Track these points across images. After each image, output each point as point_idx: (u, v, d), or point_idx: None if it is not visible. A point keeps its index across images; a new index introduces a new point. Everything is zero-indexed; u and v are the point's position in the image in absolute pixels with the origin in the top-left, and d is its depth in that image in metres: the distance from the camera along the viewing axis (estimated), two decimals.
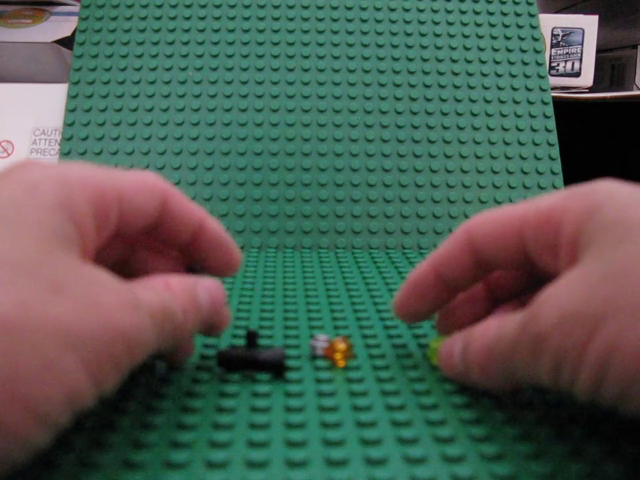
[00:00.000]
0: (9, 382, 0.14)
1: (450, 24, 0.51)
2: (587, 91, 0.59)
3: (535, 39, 0.51)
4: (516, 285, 0.25)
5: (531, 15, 0.52)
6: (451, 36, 0.51)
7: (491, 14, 0.52)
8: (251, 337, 0.24)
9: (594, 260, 0.18)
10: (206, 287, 0.21)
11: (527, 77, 0.50)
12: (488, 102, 0.49)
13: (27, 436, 0.15)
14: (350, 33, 0.50)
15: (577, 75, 0.58)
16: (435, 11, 0.51)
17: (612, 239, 0.17)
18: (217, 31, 0.50)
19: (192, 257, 0.23)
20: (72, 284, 0.16)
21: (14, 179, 0.18)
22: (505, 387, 0.21)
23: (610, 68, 0.76)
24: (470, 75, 0.50)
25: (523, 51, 0.51)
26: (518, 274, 0.25)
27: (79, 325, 0.16)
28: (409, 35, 0.51)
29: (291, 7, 0.51)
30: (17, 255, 0.16)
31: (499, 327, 0.20)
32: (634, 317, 0.16)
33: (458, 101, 0.49)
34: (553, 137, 0.48)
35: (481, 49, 0.50)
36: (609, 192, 0.19)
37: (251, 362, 0.23)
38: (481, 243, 0.22)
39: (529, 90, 0.50)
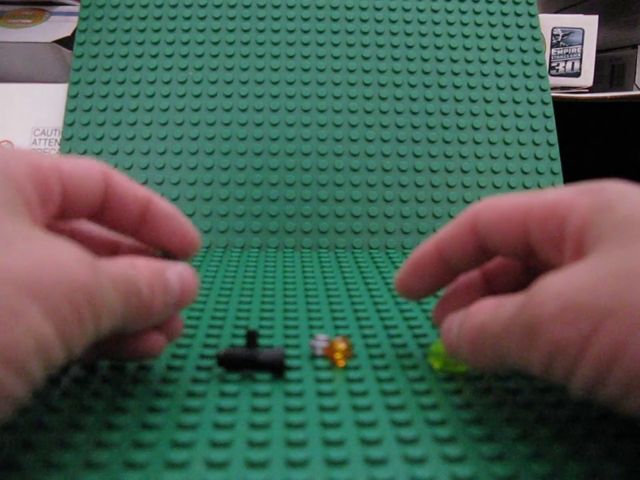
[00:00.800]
0: None
1: (450, 24, 0.51)
2: (587, 90, 0.59)
3: (535, 39, 0.51)
4: (515, 279, 0.25)
5: (531, 15, 0.52)
6: (451, 36, 0.51)
7: (491, 14, 0.52)
8: (251, 336, 0.24)
9: (603, 255, 0.17)
10: (176, 270, 0.21)
11: (527, 77, 0.50)
12: (488, 102, 0.49)
13: (2, 384, 0.15)
14: (350, 32, 0.50)
15: (577, 75, 0.58)
16: (434, 11, 0.51)
17: (623, 236, 0.17)
18: (216, 31, 0.50)
19: (145, 241, 0.23)
20: (23, 241, 0.16)
21: None
22: (494, 369, 0.21)
23: (610, 68, 0.76)
24: (470, 74, 0.50)
25: (523, 51, 0.51)
26: (517, 268, 0.25)
27: (36, 275, 0.16)
28: (408, 34, 0.51)
29: (290, 7, 0.51)
30: None
31: (495, 306, 0.20)
32: None
33: (458, 100, 0.49)
34: (553, 137, 0.48)
35: (481, 49, 0.50)
36: (620, 191, 0.19)
37: (251, 362, 0.23)
38: (484, 228, 0.22)
39: (529, 90, 0.50)
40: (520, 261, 0.24)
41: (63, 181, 0.20)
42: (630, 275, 0.16)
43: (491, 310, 0.20)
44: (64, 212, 0.21)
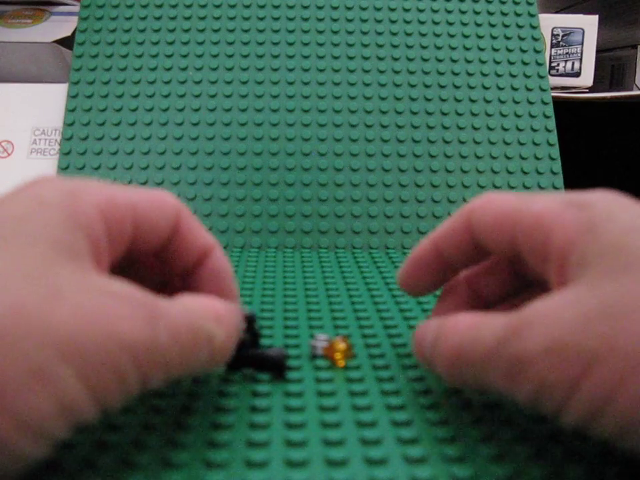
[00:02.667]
0: None
1: (450, 24, 0.51)
2: (587, 90, 0.59)
3: (535, 39, 0.51)
4: (501, 280, 0.24)
5: (531, 15, 0.52)
6: (451, 36, 0.51)
7: (491, 14, 0.52)
8: (249, 321, 0.23)
9: (590, 288, 0.17)
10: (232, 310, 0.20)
11: (527, 76, 0.50)
12: (488, 102, 0.49)
13: (17, 446, 0.14)
14: (350, 32, 0.50)
15: (577, 75, 0.58)
16: (434, 11, 0.51)
17: (610, 267, 0.17)
18: (216, 30, 0.50)
19: (189, 286, 0.22)
20: (75, 291, 0.16)
21: (25, 194, 0.17)
22: (473, 389, 0.20)
23: (610, 68, 0.76)
24: (470, 74, 0.50)
25: (523, 51, 0.51)
26: (504, 269, 0.24)
27: (77, 333, 0.15)
28: (409, 34, 0.51)
29: (290, 7, 0.51)
30: (16, 266, 0.15)
31: (474, 327, 0.19)
32: (635, 360, 0.15)
33: (458, 100, 0.49)
34: (553, 137, 0.48)
35: (481, 49, 0.50)
36: (608, 210, 0.18)
37: (252, 362, 0.23)
38: (477, 228, 0.22)
39: (529, 90, 0.50)
40: (511, 262, 0.24)
41: (137, 220, 0.19)
42: (618, 314, 0.16)
43: (470, 332, 0.19)
44: (131, 249, 0.20)
